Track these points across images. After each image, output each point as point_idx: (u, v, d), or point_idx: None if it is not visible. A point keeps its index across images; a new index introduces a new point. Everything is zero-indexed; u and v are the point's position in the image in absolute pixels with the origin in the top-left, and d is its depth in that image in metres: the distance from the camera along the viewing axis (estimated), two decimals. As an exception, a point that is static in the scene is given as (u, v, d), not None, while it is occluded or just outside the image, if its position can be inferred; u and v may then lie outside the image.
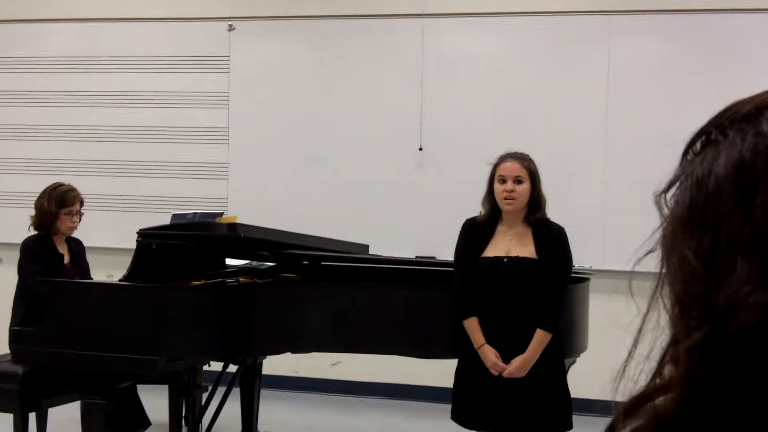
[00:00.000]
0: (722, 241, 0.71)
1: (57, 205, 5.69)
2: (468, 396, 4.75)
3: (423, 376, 7.34)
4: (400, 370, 7.38)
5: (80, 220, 5.85)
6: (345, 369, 7.94)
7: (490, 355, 4.64)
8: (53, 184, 5.84)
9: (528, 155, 4.79)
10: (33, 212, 5.77)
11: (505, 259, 4.67)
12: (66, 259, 5.79)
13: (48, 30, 8.57)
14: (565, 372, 4.86)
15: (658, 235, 0.78)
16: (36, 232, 5.77)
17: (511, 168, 4.69)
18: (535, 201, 4.72)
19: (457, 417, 4.80)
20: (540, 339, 4.63)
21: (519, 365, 4.62)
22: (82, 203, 5.82)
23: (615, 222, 7.21)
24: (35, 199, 5.78)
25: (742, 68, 6.94)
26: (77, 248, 5.94)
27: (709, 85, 6.91)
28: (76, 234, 5.93)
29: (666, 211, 0.78)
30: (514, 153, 4.78)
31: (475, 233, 4.78)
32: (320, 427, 7.22)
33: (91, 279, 5.99)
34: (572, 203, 7.08)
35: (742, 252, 0.70)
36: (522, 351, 4.63)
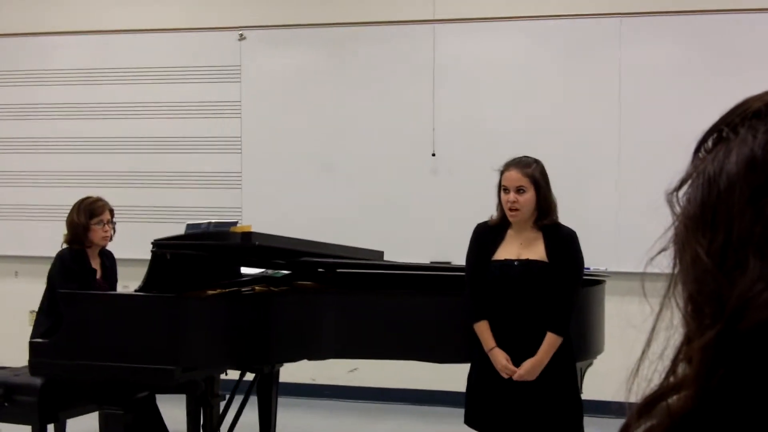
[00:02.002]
0: (734, 240, 0.71)
1: (87, 216, 5.70)
2: (480, 400, 4.75)
3: (440, 381, 7.32)
4: (417, 376, 7.37)
5: (114, 231, 5.86)
6: (362, 375, 7.94)
7: (500, 358, 4.63)
8: (81, 198, 5.87)
9: (533, 160, 4.74)
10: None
11: (515, 262, 4.66)
12: (98, 275, 5.80)
13: (60, 43, 8.60)
14: (576, 375, 4.85)
15: (671, 233, 0.77)
16: (70, 247, 5.77)
17: (512, 178, 4.66)
18: (543, 207, 4.69)
19: (470, 421, 4.80)
20: (550, 342, 4.62)
21: (529, 368, 4.60)
22: (112, 213, 5.83)
23: (629, 224, 7.18)
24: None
25: (753, 68, 6.92)
26: (109, 263, 5.95)
27: (720, 85, 6.88)
28: (110, 246, 5.96)
29: (678, 209, 0.78)
30: (518, 160, 4.74)
31: (486, 237, 4.78)
32: (338, 435, 7.23)
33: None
34: (586, 206, 7.07)
35: (754, 250, 0.69)
36: (533, 354, 4.62)
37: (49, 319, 5.45)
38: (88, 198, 5.84)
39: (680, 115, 6.97)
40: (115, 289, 5.95)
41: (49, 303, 5.60)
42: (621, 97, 7.46)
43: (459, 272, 5.09)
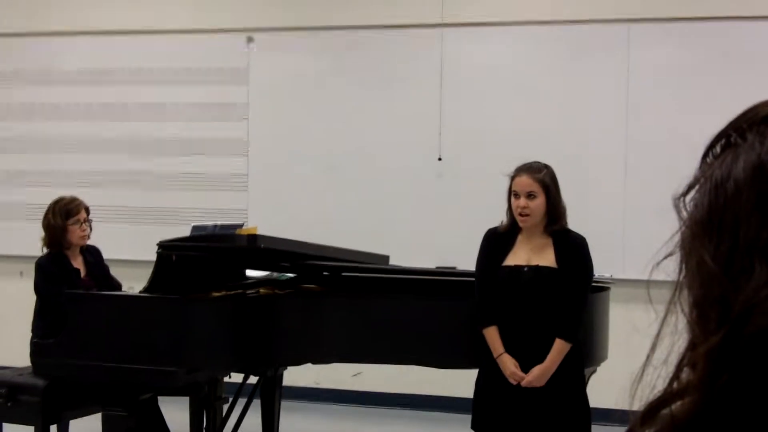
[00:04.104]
0: (740, 245, 0.70)
1: (63, 217, 5.66)
2: (488, 405, 4.74)
3: (444, 386, 7.32)
4: (421, 381, 7.36)
5: (91, 228, 5.83)
6: (366, 380, 7.93)
7: (508, 364, 4.62)
8: (54, 199, 5.82)
9: (544, 166, 4.74)
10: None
11: (525, 268, 4.65)
12: (82, 273, 5.77)
13: (67, 43, 8.62)
14: (584, 382, 4.84)
15: (677, 238, 0.77)
16: (48, 251, 5.75)
17: (523, 183, 4.66)
18: (553, 212, 4.68)
19: (477, 426, 4.79)
20: (559, 349, 4.61)
21: (538, 375, 4.60)
22: (87, 211, 5.79)
23: (635, 230, 7.18)
24: (42, 212, 5.77)
25: (761, 74, 6.91)
26: (93, 257, 5.90)
27: (728, 91, 6.87)
28: (91, 242, 5.92)
29: (685, 214, 0.77)
30: (529, 166, 4.74)
31: (497, 243, 4.77)
32: (341, 439, 7.22)
33: (114, 280, 5.97)
34: (592, 212, 7.05)
35: (760, 256, 0.69)
36: (541, 360, 4.61)
37: (44, 321, 5.46)
38: (62, 199, 5.79)
39: (687, 122, 6.96)
40: (106, 282, 5.91)
41: (39, 310, 5.60)
42: (628, 102, 7.45)
43: (464, 277, 5.09)
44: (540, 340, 4.63)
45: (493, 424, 4.74)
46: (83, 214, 5.74)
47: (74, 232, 5.70)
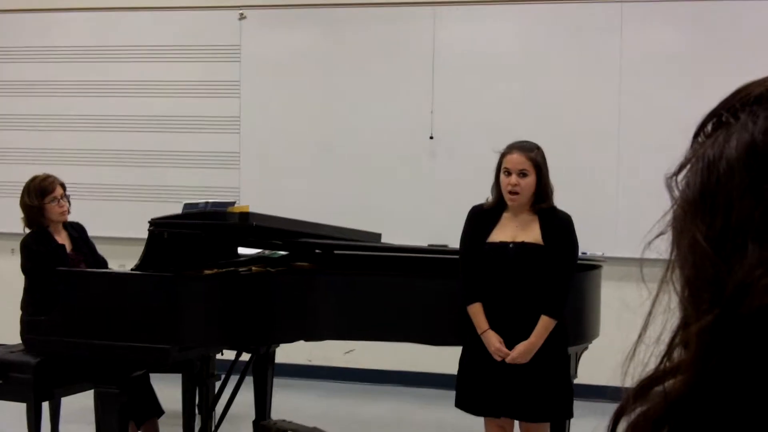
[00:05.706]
0: (733, 225, 0.70)
1: (38, 196, 5.60)
2: (472, 382, 4.75)
3: (436, 363, 7.32)
4: (413, 358, 7.38)
5: (70, 203, 5.78)
6: (358, 357, 7.95)
7: (493, 341, 4.63)
8: (29, 179, 5.77)
9: (535, 145, 4.73)
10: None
11: (510, 245, 4.65)
12: (68, 248, 5.74)
13: (59, 20, 8.58)
14: (568, 359, 4.85)
15: (669, 217, 0.77)
16: (31, 231, 5.71)
17: (515, 161, 4.65)
18: (541, 191, 4.68)
19: (461, 403, 4.80)
20: (544, 325, 4.61)
21: (522, 351, 4.60)
22: (63, 187, 5.72)
23: (627, 209, 7.19)
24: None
25: (754, 55, 6.90)
26: (77, 233, 5.84)
27: (721, 72, 6.86)
28: (78, 219, 5.89)
29: (677, 193, 0.77)
30: (521, 144, 4.73)
31: (481, 219, 4.77)
32: (333, 415, 7.22)
33: (102, 258, 5.95)
34: (585, 190, 7.06)
35: (753, 236, 0.69)
36: (526, 337, 4.61)
37: (33, 299, 5.45)
38: (35, 178, 5.72)
39: (680, 101, 6.96)
40: (93, 256, 5.89)
41: (28, 289, 5.58)
42: (621, 81, 7.45)
43: (456, 255, 5.09)
44: (525, 317, 4.63)
45: (477, 401, 4.74)
46: (59, 191, 5.67)
47: (53, 210, 5.64)
